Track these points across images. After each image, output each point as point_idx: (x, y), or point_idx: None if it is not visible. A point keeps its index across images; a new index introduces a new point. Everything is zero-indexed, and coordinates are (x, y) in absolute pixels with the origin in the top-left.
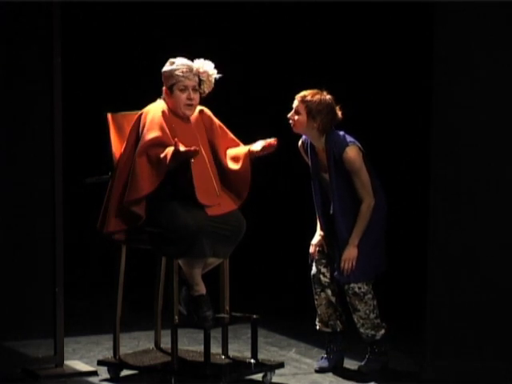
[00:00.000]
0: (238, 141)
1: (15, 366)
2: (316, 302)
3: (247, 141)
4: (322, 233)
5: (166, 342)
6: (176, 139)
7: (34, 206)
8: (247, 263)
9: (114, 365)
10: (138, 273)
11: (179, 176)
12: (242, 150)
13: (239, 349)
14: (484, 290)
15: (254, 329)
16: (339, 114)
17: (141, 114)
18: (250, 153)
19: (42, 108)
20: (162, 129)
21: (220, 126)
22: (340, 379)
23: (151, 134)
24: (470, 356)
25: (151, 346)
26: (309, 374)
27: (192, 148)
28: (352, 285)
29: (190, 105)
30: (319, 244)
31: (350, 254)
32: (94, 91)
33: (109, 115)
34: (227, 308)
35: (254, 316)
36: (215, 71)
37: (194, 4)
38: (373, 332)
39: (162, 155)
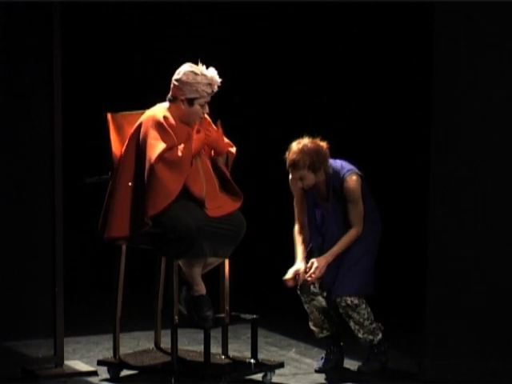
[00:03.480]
0: (232, 145)
1: (15, 366)
2: (307, 310)
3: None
4: (302, 263)
5: (166, 342)
6: (195, 127)
7: (34, 206)
8: (247, 263)
9: (114, 365)
10: (138, 273)
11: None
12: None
13: (239, 349)
14: (484, 289)
15: (254, 329)
16: (326, 146)
17: (141, 123)
18: (215, 155)
19: (41, 108)
20: (168, 135)
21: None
22: (340, 379)
23: (161, 142)
24: (470, 356)
25: (151, 346)
26: (309, 373)
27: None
28: (344, 297)
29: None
30: (297, 273)
31: (321, 262)
32: (94, 91)
33: (109, 115)
34: (227, 308)
35: (254, 316)
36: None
37: (194, 4)
38: (370, 337)
39: (182, 148)
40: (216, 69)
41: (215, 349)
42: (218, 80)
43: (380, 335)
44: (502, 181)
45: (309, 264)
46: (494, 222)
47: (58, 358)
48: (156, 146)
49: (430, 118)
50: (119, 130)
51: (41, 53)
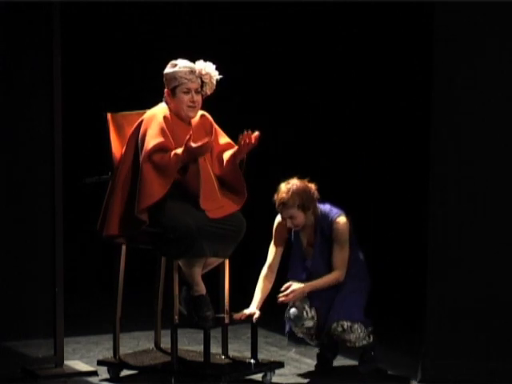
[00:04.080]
0: (234, 144)
1: (15, 366)
2: (295, 330)
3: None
4: (257, 309)
5: (166, 342)
6: (188, 136)
7: (34, 206)
8: (247, 263)
9: (114, 365)
10: (138, 273)
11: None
12: (227, 153)
13: (239, 349)
14: (484, 289)
15: (254, 329)
16: (315, 187)
17: (142, 120)
18: (233, 156)
19: (41, 108)
20: (164, 134)
21: (216, 130)
22: (339, 379)
23: (154, 140)
24: (470, 356)
25: (151, 346)
26: (309, 373)
27: (204, 142)
28: (341, 322)
29: (193, 106)
30: (250, 316)
31: (298, 288)
32: (94, 91)
33: (109, 115)
34: (227, 308)
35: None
36: (217, 73)
37: (194, 4)
38: (365, 342)
39: (172, 155)
40: (216, 69)
41: (215, 349)
42: (207, 70)
43: (371, 337)
44: (501, 181)
45: (285, 285)
46: (493, 221)
47: (58, 358)
48: (148, 145)
49: (430, 118)
50: (119, 130)
51: (41, 53)
